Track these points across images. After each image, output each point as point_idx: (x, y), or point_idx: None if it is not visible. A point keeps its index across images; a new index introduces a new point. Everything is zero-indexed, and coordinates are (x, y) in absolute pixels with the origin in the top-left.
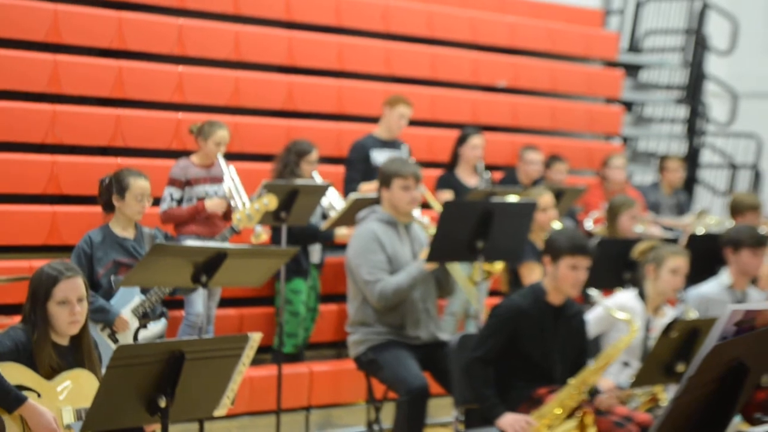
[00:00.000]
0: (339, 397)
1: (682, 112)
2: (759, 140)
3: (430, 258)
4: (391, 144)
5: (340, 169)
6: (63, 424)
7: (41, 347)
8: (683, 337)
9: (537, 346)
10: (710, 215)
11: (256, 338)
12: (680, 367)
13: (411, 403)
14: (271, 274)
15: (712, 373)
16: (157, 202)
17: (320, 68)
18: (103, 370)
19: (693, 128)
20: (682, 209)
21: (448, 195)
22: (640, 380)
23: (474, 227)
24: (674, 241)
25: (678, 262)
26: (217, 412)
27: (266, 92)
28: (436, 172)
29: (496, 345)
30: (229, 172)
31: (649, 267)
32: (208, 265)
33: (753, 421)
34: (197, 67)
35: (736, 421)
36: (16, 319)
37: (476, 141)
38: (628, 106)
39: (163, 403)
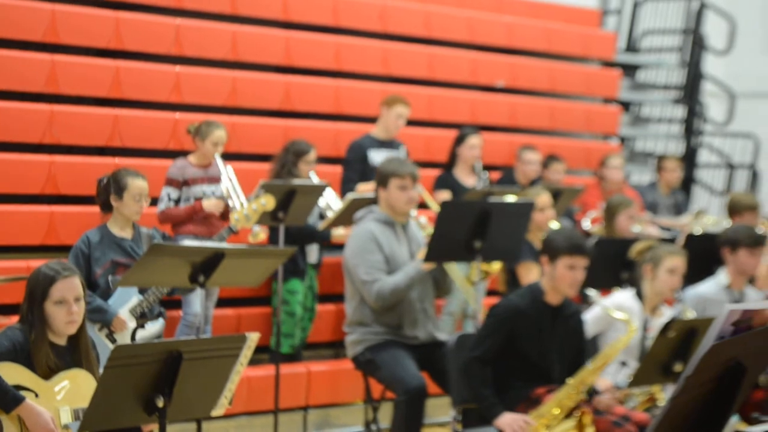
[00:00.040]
0: (337, 397)
1: (680, 112)
2: (756, 140)
3: (428, 258)
4: (388, 144)
5: (337, 169)
6: (61, 424)
7: (39, 347)
8: (681, 337)
9: (535, 346)
10: (708, 215)
11: (253, 338)
12: (678, 367)
13: (409, 402)
14: (268, 274)
15: (710, 372)
16: (154, 202)
17: (317, 68)
18: (101, 370)
19: (690, 128)
20: (679, 209)
21: (446, 195)
22: (637, 380)
23: (471, 227)
24: (672, 241)
25: (675, 261)
26: (215, 412)
27: (263, 92)
28: (434, 172)
29: (494, 345)
30: (227, 172)
31: (646, 267)
32: (206, 265)
33: (750, 421)
34: (194, 67)
35: (734, 420)
36: (14, 319)
37: (474, 141)
38: (626, 106)
39: (160, 403)
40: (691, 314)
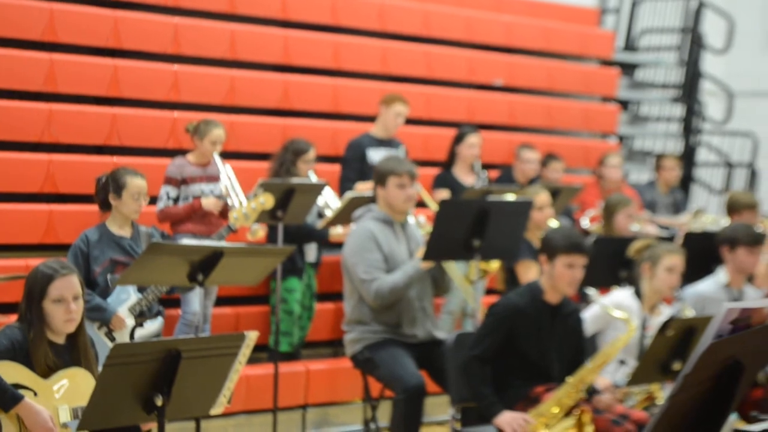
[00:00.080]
0: (335, 395)
1: (678, 110)
2: (755, 139)
3: (427, 257)
4: (387, 143)
5: (335, 168)
6: (59, 422)
7: (37, 346)
8: (679, 336)
9: (534, 344)
10: (706, 214)
11: (252, 337)
12: (676, 366)
13: (407, 401)
14: (267, 272)
15: (708, 371)
16: (153, 200)
17: (316, 67)
18: (100, 369)
19: (689, 127)
20: (678, 208)
21: (444, 194)
22: (636, 378)
23: (470, 226)
24: (670, 239)
25: (673, 260)
26: (214, 411)
27: (262, 91)
28: (432, 171)
29: (493, 344)
30: (226, 170)
31: (644, 265)
32: (205, 264)
33: (749, 419)
34: (193, 65)
35: (733, 419)
36: (13, 318)
37: (473, 140)
38: (624, 104)
39: (159, 402)
40: (690, 313)
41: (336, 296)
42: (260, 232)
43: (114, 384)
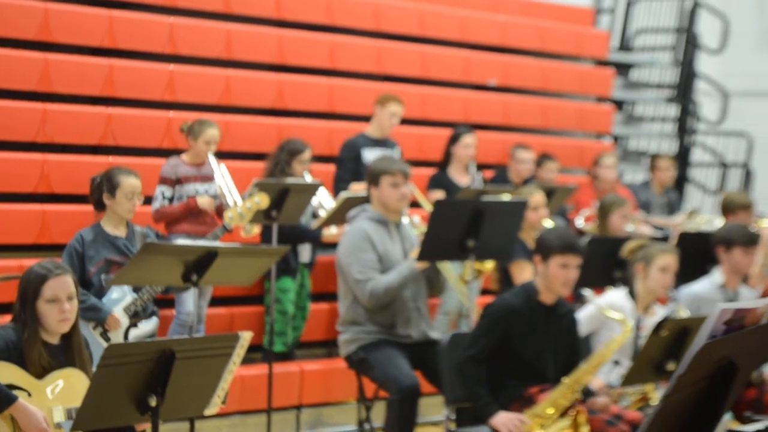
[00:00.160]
0: (330, 396)
1: (673, 110)
2: (750, 139)
3: (421, 257)
4: (382, 143)
5: (330, 168)
6: (53, 423)
7: (31, 346)
8: (673, 336)
9: (529, 345)
10: (701, 214)
11: (246, 337)
12: (670, 366)
13: (402, 401)
14: (261, 273)
15: (702, 371)
16: (148, 200)
17: (311, 67)
18: (94, 369)
19: (684, 127)
20: (672, 208)
21: (439, 194)
22: (630, 379)
23: (465, 226)
24: (665, 239)
25: (667, 260)
26: (208, 411)
27: (257, 91)
28: (427, 171)
29: (488, 344)
30: (221, 170)
31: (638, 265)
32: (199, 264)
33: (743, 420)
34: (188, 65)
35: (727, 419)
36: (7, 319)
37: (469, 140)
38: (619, 104)
39: (153, 402)
40: (684, 313)
41: (330, 296)
42: (254, 229)
43: (108, 384)
